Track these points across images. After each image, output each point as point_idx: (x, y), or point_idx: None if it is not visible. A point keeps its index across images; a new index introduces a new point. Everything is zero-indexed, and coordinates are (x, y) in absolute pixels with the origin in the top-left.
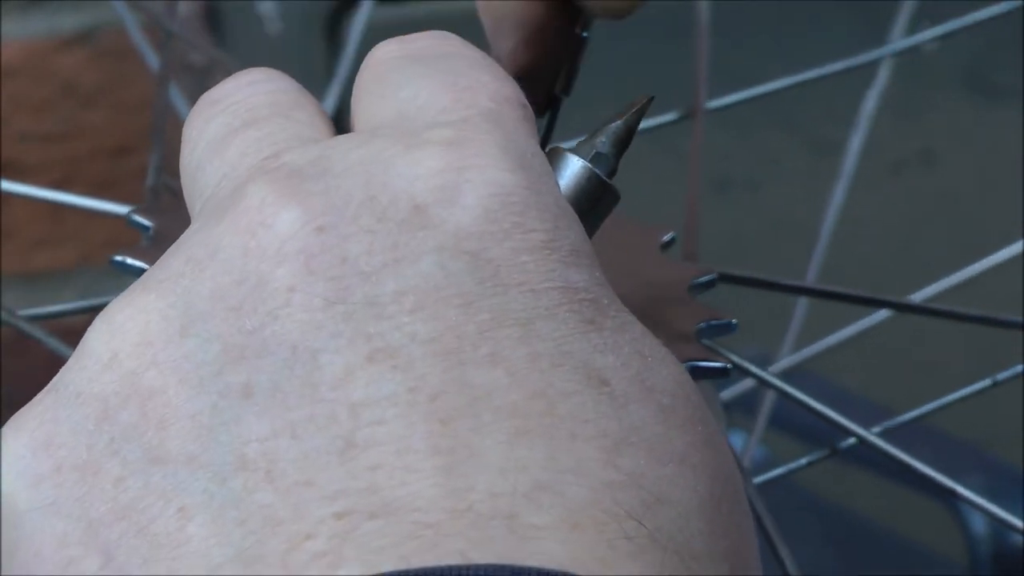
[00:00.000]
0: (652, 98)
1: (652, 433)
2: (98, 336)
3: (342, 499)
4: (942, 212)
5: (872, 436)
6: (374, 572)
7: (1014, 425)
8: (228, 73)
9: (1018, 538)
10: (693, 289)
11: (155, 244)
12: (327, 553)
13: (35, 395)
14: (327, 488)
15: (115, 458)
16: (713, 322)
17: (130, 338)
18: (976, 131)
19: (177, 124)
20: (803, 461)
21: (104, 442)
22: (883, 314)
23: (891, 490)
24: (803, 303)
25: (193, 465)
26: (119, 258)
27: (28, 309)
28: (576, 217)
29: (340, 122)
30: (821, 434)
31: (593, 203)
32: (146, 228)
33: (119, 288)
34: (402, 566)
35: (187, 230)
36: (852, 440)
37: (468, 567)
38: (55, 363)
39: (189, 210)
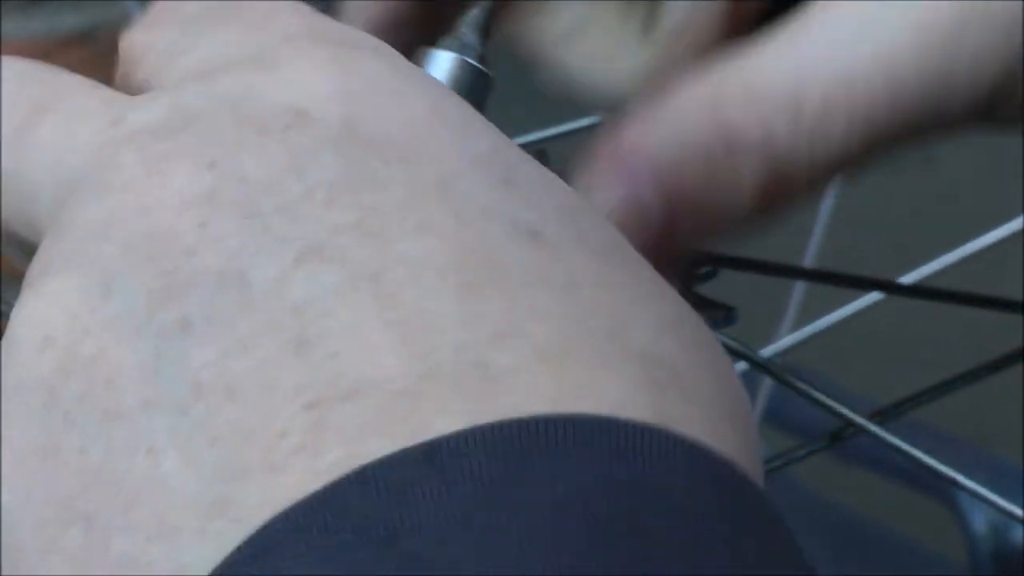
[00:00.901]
0: None
1: (594, 274)
2: (22, 329)
3: (308, 392)
4: (941, 209)
5: (871, 424)
6: (357, 451)
7: (1014, 423)
8: None
9: (1018, 537)
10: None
11: None
12: (305, 445)
13: None
14: (290, 386)
15: (73, 431)
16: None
17: (56, 319)
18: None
19: None
20: (802, 452)
21: (58, 420)
22: (875, 297)
23: (891, 490)
24: (797, 294)
25: (150, 409)
26: None
27: None
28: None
29: None
30: (817, 429)
31: (470, 92)
32: None
33: None
34: (386, 438)
35: (49, 220)
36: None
37: (472, 430)
38: None
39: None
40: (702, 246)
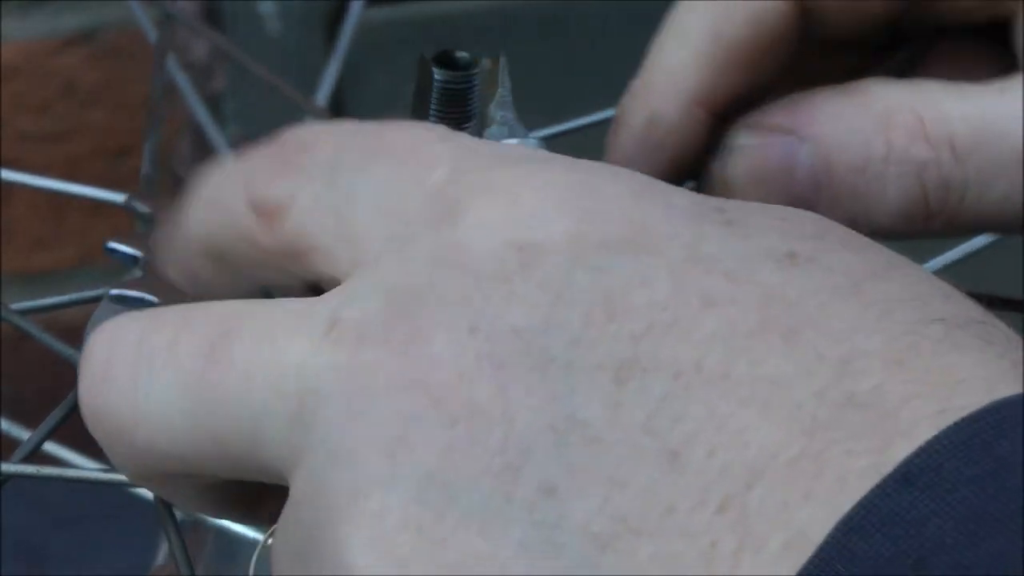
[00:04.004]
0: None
1: (875, 271)
2: (365, 559)
3: (710, 497)
4: None
5: None
6: (794, 523)
7: None
8: (229, 62)
9: None
10: None
11: (151, 231)
12: (742, 545)
13: (34, 395)
14: (688, 499)
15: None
16: None
17: (402, 541)
18: None
19: (174, 113)
20: None
21: None
22: None
23: None
24: None
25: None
26: (112, 244)
27: (21, 303)
28: None
29: (340, 111)
30: None
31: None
32: (143, 214)
33: None
34: (814, 503)
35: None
36: None
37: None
38: (54, 363)
39: None
40: None
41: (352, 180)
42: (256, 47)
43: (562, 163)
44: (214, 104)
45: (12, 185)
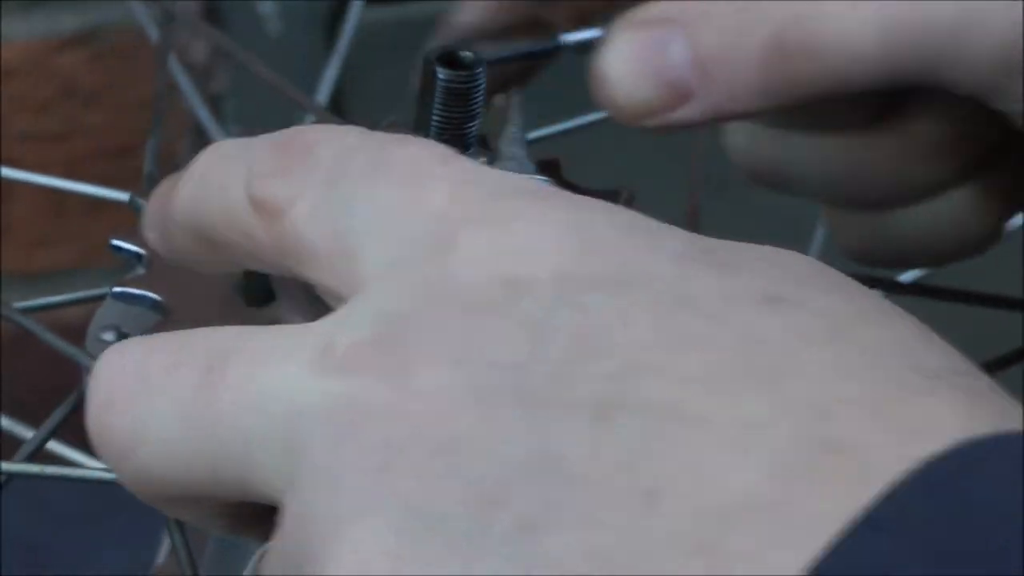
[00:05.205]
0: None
1: (855, 321)
2: None
3: (686, 536)
4: None
5: None
6: (772, 565)
7: None
8: (229, 62)
9: None
10: None
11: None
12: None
13: (34, 395)
14: (663, 537)
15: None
16: None
17: (379, 565)
18: None
19: (176, 113)
20: None
21: None
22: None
23: None
24: None
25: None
26: (116, 242)
27: (23, 302)
28: None
29: (340, 111)
30: None
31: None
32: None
33: None
34: (786, 548)
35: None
36: None
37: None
38: (55, 364)
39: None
40: (715, 120)
41: (353, 193)
42: (256, 47)
43: (559, 198)
44: (214, 104)
45: (17, 184)
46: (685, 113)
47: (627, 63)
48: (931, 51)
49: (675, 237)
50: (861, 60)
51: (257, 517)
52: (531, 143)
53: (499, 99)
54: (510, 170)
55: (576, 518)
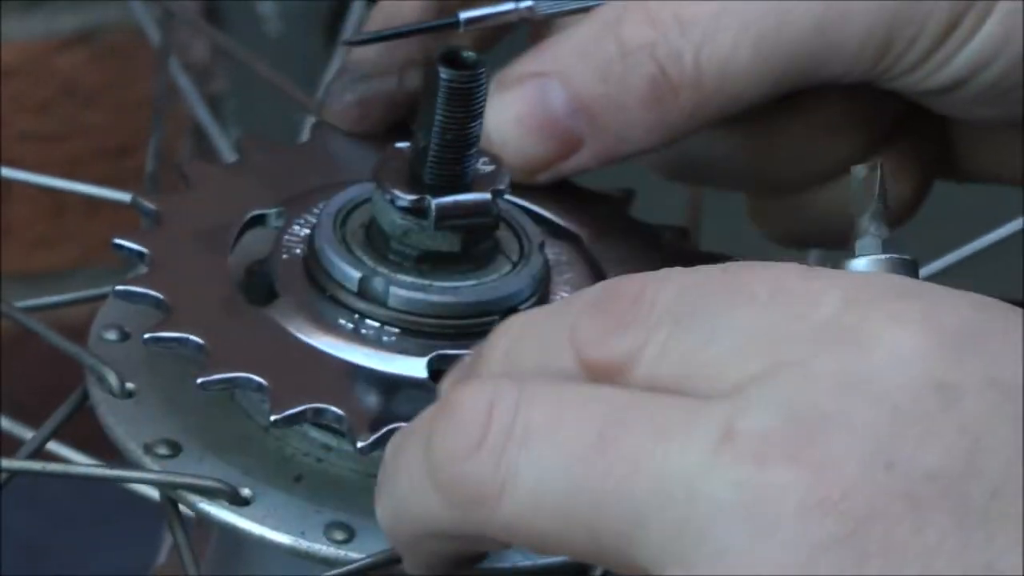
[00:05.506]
0: None
1: None
2: None
3: None
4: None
5: None
6: None
7: None
8: (229, 63)
9: None
10: None
11: (157, 227)
12: None
13: (35, 395)
14: None
15: None
16: None
17: None
18: None
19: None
20: None
21: None
22: None
23: None
24: None
25: None
26: (119, 241)
27: (25, 301)
28: None
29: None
30: None
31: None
32: (149, 212)
33: None
34: None
35: None
36: None
37: None
38: (55, 364)
39: None
40: (608, 163)
41: (712, 323)
42: (256, 47)
43: (960, 299)
44: (214, 104)
45: (17, 184)
46: (578, 161)
47: (509, 122)
48: (805, 55)
49: None
50: (742, 80)
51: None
52: None
53: (861, 170)
54: (869, 249)
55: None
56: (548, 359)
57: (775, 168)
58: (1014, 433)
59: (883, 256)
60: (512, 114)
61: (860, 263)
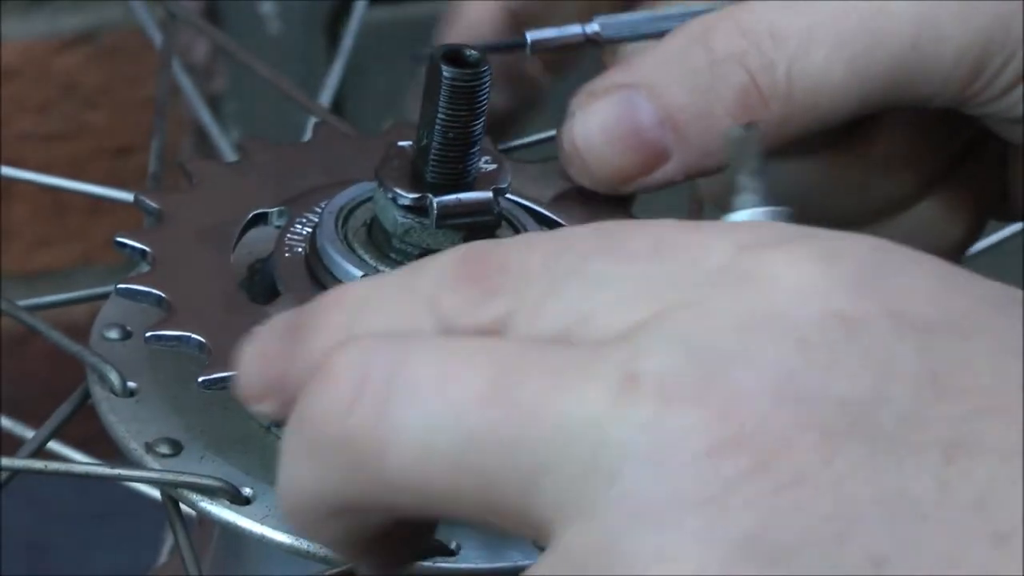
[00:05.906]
0: None
1: None
2: None
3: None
4: None
5: None
6: None
7: None
8: (229, 63)
9: None
10: None
11: (160, 225)
12: None
13: (34, 395)
14: None
15: None
16: None
17: None
18: None
19: (176, 113)
20: None
21: None
22: None
23: None
24: None
25: None
26: (121, 239)
27: (28, 300)
28: None
29: (340, 111)
30: None
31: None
32: (152, 210)
33: None
34: None
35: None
36: None
37: None
38: (55, 364)
39: None
40: (694, 177)
41: (591, 279)
42: (256, 47)
43: (858, 239)
44: (215, 104)
45: (17, 184)
46: (665, 173)
47: (596, 133)
48: (898, 73)
49: (985, 285)
50: (833, 96)
51: (396, 543)
52: (533, 144)
53: (737, 131)
54: (748, 203)
55: (931, 557)
56: (403, 331)
57: (834, 202)
58: (918, 361)
59: (763, 208)
60: (598, 124)
61: (740, 215)
